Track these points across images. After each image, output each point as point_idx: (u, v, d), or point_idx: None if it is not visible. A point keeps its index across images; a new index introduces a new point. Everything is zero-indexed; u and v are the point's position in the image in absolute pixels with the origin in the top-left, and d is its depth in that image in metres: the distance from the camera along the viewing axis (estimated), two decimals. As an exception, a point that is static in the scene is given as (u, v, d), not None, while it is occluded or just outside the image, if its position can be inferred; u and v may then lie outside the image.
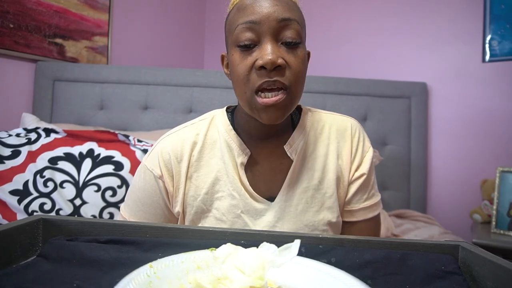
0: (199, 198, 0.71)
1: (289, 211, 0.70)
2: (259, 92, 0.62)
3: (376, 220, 0.76)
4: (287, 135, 0.72)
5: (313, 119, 0.75)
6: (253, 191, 0.70)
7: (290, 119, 0.75)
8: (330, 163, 0.72)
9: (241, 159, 0.70)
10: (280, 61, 0.60)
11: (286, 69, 0.61)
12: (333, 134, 0.74)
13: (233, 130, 0.72)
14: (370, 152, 0.75)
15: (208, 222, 0.71)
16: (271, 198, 0.71)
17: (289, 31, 0.62)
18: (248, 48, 0.62)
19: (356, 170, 0.74)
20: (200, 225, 0.72)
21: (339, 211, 0.73)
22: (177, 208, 0.72)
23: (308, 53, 0.71)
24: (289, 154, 0.71)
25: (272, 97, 0.61)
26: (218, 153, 0.72)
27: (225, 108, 0.78)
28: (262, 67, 0.60)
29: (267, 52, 0.60)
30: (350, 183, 0.74)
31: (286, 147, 0.71)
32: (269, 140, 0.72)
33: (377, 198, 0.76)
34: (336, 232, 0.74)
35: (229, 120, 0.74)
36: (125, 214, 0.75)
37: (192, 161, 0.71)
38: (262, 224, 0.70)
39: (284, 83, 0.61)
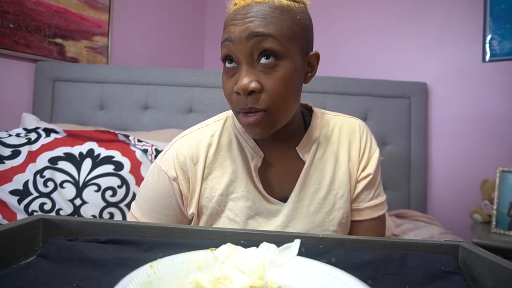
0: (214, 200, 0.71)
1: (301, 212, 0.71)
2: (240, 112, 0.63)
3: (381, 219, 0.78)
4: (299, 137, 0.73)
5: (323, 121, 0.76)
6: (266, 193, 0.71)
7: (302, 121, 0.75)
8: (341, 164, 0.74)
9: (255, 162, 0.71)
10: (252, 86, 0.59)
11: (262, 93, 0.60)
12: (343, 135, 0.75)
13: (246, 132, 0.71)
14: (376, 153, 0.77)
15: (221, 223, 0.71)
16: (283, 199, 0.72)
17: (263, 50, 0.59)
18: (230, 69, 0.63)
19: (362, 170, 0.75)
20: (213, 225, 0.72)
21: (349, 209, 0.74)
22: (192, 210, 0.72)
23: (316, 55, 0.69)
24: (301, 156, 0.72)
25: (249, 117, 0.61)
26: (232, 155, 0.72)
27: None
28: (238, 92, 0.60)
29: (240, 78, 0.60)
30: (357, 182, 0.75)
31: (298, 149, 0.72)
32: (281, 142, 0.72)
33: (383, 198, 0.78)
34: (346, 232, 0.75)
35: None
36: (136, 213, 0.75)
37: (207, 163, 0.72)
38: (275, 224, 0.71)
39: (259, 108, 0.60)
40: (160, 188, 0.72)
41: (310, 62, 0.68)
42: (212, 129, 0.74)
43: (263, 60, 0.60)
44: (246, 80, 0.59)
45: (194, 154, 0.71)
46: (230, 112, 0.76)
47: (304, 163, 0.72)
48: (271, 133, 0.64)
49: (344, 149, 0.74)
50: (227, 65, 0.63)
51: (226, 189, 0.71)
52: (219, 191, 0.71)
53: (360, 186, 0.75)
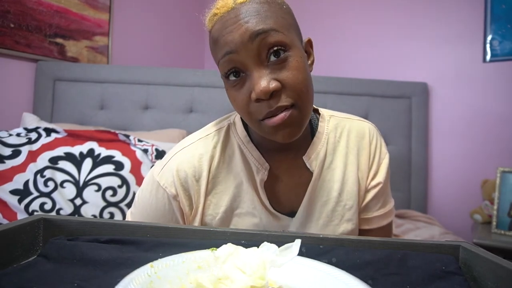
0: (217, 217, 0.67)
1: (310, 227, 0.68)
2: (265, 119, 0.57)
3: (389, 226, 0.75)
4: (306, 145, 0.68)
5: (331, 126, 0.71)
6: (273, 209, 0.67)
7: (309, 127, 0.71)
8: (350, 173, 0.69)
9: (261, 175, 0.66)
10: (273, 86, 0.54)
11: (283, 90, 0.55)
12: (351, 142, 0.71)
13: (250, 142, 0.67)
14: (386, 159, 0.73)
15: None
16: (291, 213, 0.69)
17: (270, 46, 0.55)
18: (238, 81, 0.57)
19: (372, 179, 0.71)
20: None
21: (357, 220, 0.71)
22: None
23: (309, 41, 0.65)
24: (308, 166, 0.68)
25: (278, 115, 0.55)
26: (235, 168, 0.67)
27: None
28: (258, 99, 0.55)
29: (257, 82, 0.54)
30: (366, 191, 0.72)
31: (305, 159, 0.67)
32: (288, 151, 0.67)
33: (391, 204, 0.75)
34: None
35: (245, 130, 0.69)
36: None
37: (210, 178, 0.67)
38: None
39: (286, 105, 0.55)
40: (159, 205, 0.67)
41: (306, 50, 0.64)
42: (214, 140, 0.68)
43: (273, 58, 0.55)
44: (264, 82, 0.54)
45: (197, 169, 0.66)
46: (232, 118, 0.71)
47: (311, 173, 0.68)
48: (300, 133, 0.59)
49: (353, 156, 0.70)
50: (232, 78, 0.58)
51: (230, 205, 0.67)
52: (223, 207, 0.67)
53: (370, 195, 0.71)
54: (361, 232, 0.74)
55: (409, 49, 2.10)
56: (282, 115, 0.55)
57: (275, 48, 0.55)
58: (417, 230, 1.61)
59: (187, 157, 0.67)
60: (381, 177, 0.71)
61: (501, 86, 1.90)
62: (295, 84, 0.55)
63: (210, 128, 0.71)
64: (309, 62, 0.64)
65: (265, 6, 0.56)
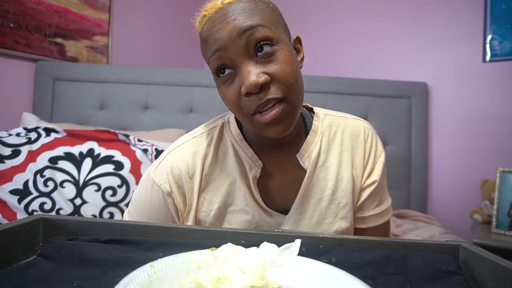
0: (211, 214, 0.68)
1: (303, 224, 0.68)
2: (256, 113, 0.58)
3: (386, 225, 0.75)
4: (300, 143, 0.69)
5: (326, 124, 0.72)
6: (265, 206, 0.68)
7: (303, 125, 0.72)
8: (344, 171, 0.70)
9: (253, 172, 0.67)
10: (262, 79, 0.55)
11: (272, 83, 0.57)
12: (346, 140, 0.71)
13: (244, 140, 0.69)
14: (382, 157, 0.73)
15: None
16: (285, 211, 0.69)
17: (257, 41, 0.56)
18: (227, 76, 0.59)
19: (368, 177, 0.71)
20: None
21: (352, 218, 0.71)
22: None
23: (298, 39, 0.67)
24: (302, 164, 0.68)
25: (270, 112, 0.57)
26: (228, 166, 0.68)
27: None
28: (248, 92, 0.56)
29: (246, 76, 0.56)
30: (362, 190, 0.72)
31: (298, 157, 0.68)
32: (281, 149, 0.68)
33: (388, 203, 0.75)
34: None
35: (239, 128, 0.70)
36: None
37: (204, 175, 0.68)
38: None
39: (276, 97, 0.56)
40: (154, 202, 0.68)
41: (295, 47, 0.66)
42: (208, 138, 0.70)
43: (261, 52, 0.57)
44: (253, 76, 0.55)
45: (190, 166, 0.67)
46: (226, 117, 0.73)
47: (305, 171, 0.68)
48: (291, 127, 0.60)
49: (347, 154, 0.70)
50: (222, 75, 0.59)
51: (223, 202, 0.68)
52: (217, 204, 0.67)
53: (365, 194, 0.71)
54: (357, 231, 0.74)
55: (409, 49, 2.10)
56: (274, 112, 0.56)
57: (263, 43, 0.57)
58: (417, 230, 1.61)
59: (181, 155, 0.68)
60: (376, 175, 0.72)
61: (501, 86, 1.90)
62: (284, 76, 0.57)
63: (204, 127, 0.72)
64: (299, 58, 0.65)
65: (251, 4, 0.59)
